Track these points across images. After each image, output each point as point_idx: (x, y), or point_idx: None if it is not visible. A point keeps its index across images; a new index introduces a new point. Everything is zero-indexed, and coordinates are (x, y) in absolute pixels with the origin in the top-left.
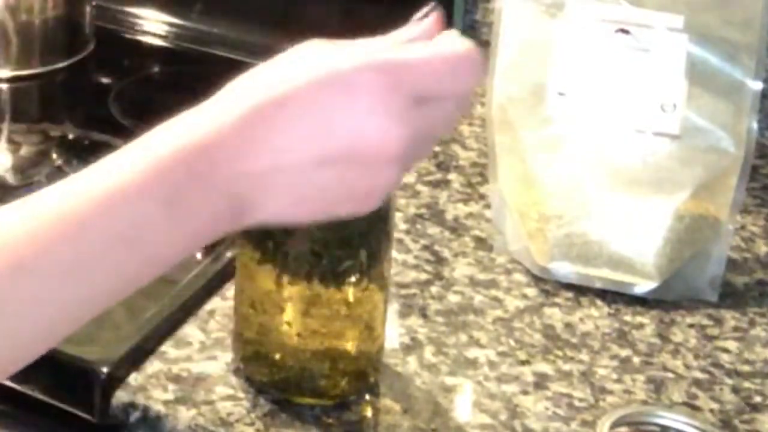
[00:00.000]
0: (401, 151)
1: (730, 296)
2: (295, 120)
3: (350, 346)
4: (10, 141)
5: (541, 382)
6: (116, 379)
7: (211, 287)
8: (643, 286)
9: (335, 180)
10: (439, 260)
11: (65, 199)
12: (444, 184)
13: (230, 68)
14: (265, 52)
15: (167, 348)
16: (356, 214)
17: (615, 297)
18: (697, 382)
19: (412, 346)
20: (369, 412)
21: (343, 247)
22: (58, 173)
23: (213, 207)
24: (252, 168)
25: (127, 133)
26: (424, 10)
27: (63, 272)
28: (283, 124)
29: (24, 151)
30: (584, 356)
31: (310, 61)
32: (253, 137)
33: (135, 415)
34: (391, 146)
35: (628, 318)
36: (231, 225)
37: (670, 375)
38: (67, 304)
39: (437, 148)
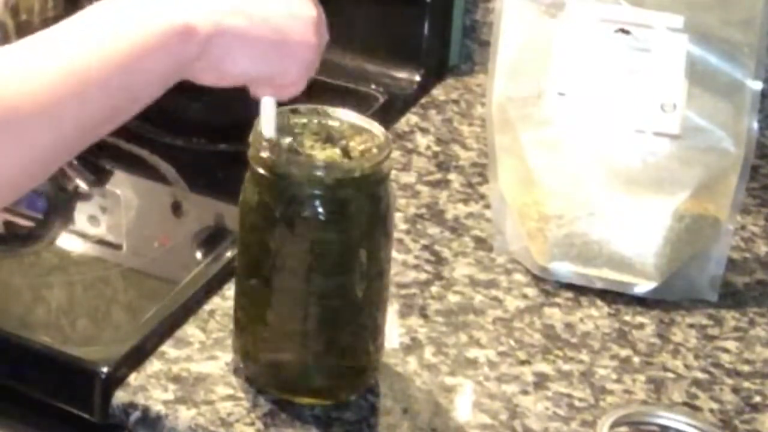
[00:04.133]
0: (315, 16)
1: (730, 296)
2: None
3: (350, 346)
4: None
5: (541, 382)
6: (116, 379)
7: (211, 287)
8: (643, 286)
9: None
10: (439, 260)
11: (72, 54)
12: (444, 184)
13: None
14: None
15: (167, 348)
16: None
17: (615, 297)
18: (697, 382)
19: (412, 346)
20: (369, 412)
21: (342, 246)
22: (57, 173)
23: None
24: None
25: (126, 132)
26: None
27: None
28: None
29: None
30: (584, 356)
31: None
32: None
33: (135, 415)
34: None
35: (628, 318)
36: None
37: (670, 375)
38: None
39: (437, 148)
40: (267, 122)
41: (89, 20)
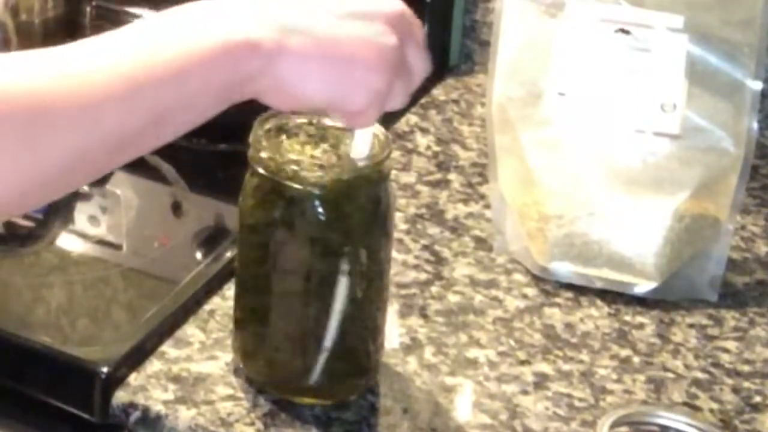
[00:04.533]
0: (393, 45)
1: (730, 296)
2: None
3: (350, 346)
4: None
5: (541, 382)
6: (116, 379)
7: (211, 287)
8: (643, 286)
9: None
10: (439, 260)
11: (123, 59)
12: (444, 184)
13: None
14: None
15: (167, 348)
16: (349, 105)
17: (615, 297)
18: (697, 382)
19: (412, 346)
20: (369, 412)
21: (342, 247)
22: None
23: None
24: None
25: None
26: None
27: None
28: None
29: None
30: (584, 356)
31: None
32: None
33: (135, 415)
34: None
35: (628, 318)
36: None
37: (670, 375)
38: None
39: (437, 148)
40: (359, 144)
41: (145, 27)
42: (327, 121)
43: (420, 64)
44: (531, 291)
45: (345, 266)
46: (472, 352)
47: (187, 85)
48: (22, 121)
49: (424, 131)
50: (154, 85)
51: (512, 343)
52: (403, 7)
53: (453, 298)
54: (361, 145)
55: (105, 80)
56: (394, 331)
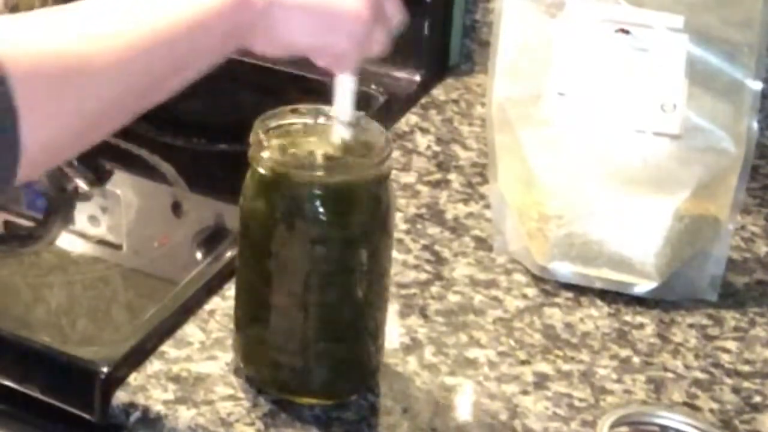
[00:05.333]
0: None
1: (730, 296)
2: None
3: (350, 346)
4: None
5: (541, 382)
6: (116, 379)
7: (211, 287)
8: (643, 286)
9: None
10: (439, 260)
11: (142, 19)
12: (444, 184)
13: (229, 67)
14: None
15: (167, 348)
16: (334, 53)
17: (615, 297)
18: (697, 382)
19: (412, 346)
20: (369, 412)
21: (343, 247)
22: (57, 172)
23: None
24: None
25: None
26: None
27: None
28: None
29: None
30: (584, 356)
31: None
32: None
33: (135, 415)
34: None
35: (628, 318)
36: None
37: (670, 375)
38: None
39: (437, 148)
40: (341, 103)
41: None
42: (329, 121)
43: (396, 13)
44: (531, 291)
45: (345, 266)
46: (472, 352)
47: (196, 38)
48: (57, 80)
49: (424, 131)
50: (171, 39)
51: (512, 343)
52: None
53: (453, 298)
54: (343, 103)
55: (129, 40)
56: (394, 331)
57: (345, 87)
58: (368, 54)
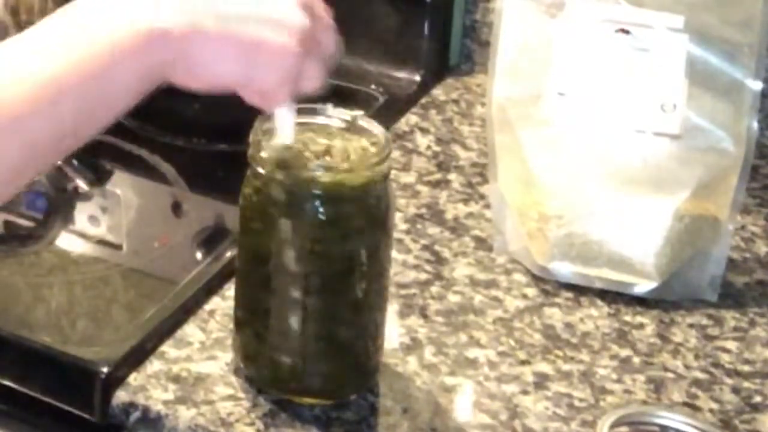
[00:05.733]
0: (303, 25)
1: (730, 296)
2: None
3: (350, 346)
4: None
5: (541, 382)
6: (116, 379)
7: (211, 287)
8: (643, 286)
9: (248, 33)
10: (439, 260)
11: (45, 66)
12: (444, 184)
13: None
14: None
15: (167, 348)
16: (264, 91)
17: (615, 297)
18: (697, 382)
19: (412, 346)
20: (369, 412)
21: (342, 247)
22: (57, 173)
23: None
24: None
25: (126, 132)
26: None
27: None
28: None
29: None
30: (584, 356)
31: None
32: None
33: (135, 415)
34: (295, 19)
35: (628, 318)
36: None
37: (670, 375)
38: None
39: (437, 148)
40: (283, 133)
41: (62, 26)
42: (328, 121)
43: (332, 45)
44: (531, 291)
45: (344, 266)
46: (472, 352)
47: (107, 84)
48: None
49: (424, 131)
50: (76, 88)
51: (512, 343)
52: None
53: (453, 298)
54: (283, 129)
55: (31, 89)
56: (394, 331)
57: (283, 119)
58: (300, 90)
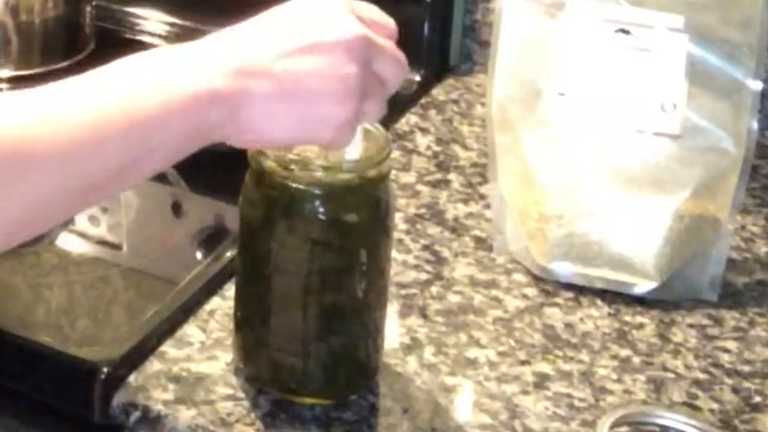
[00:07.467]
0: (359, 70)
1: (730, 296)
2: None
3: (350, 346)
4: None
5: (541, 382)
6: (116, 379)
7: (211, 287)
8: (643, 286)
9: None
10: (439, 260)
11: (93, 106)
12: (444, 184)
13: None
14: None
15: (167, 348)
16: (320, 139)
17: (615, 297)
18: (697, 382)
19: (412, 346)
20: (369, 412)
21: (342, 246)
22: None
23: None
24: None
25: None
26: None
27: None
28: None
29: None
30: (584, 356)
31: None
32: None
33: (135, 415)
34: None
35: (628, 318)
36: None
37: (670, 375)
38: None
39: (437, 148)
40: (351, 149)
41: (116, 75)
42: None
43: (392, 72)
44: (531, 291)
45: (345, 266)
46: (472, 352)
47: (151, 135)
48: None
49: (424, 131)
50: (121, 134)
51: (512, 343)
52: (359, 30)
53: (453, 298)
54: (350, 149)
55: (76, 128)
56: (394, 331)
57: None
58: (362, 124)
